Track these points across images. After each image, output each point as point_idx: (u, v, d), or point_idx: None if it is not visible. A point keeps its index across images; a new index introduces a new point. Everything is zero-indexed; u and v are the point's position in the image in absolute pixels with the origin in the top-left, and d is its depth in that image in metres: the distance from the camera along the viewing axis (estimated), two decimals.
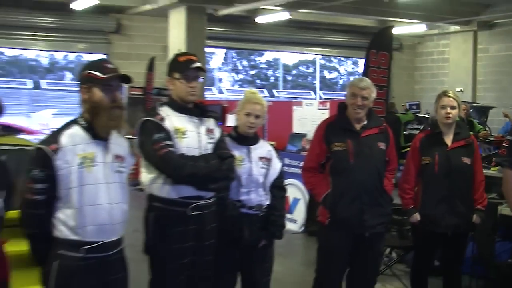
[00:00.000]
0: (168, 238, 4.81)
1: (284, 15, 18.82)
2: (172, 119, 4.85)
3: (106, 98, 4.03)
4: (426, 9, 19.60)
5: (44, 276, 4.05)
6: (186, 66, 4.89)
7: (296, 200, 11.34)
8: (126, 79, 4.19)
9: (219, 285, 5.29)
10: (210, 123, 5.04)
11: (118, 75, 4.15)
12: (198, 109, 5.01)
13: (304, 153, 11.40)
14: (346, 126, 5.75)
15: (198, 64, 4.90)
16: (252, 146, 5.39)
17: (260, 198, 5.34)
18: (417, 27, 21.93)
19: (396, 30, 21.08)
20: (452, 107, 6.13)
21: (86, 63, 4.35)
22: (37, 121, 23.09)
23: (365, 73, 10.70)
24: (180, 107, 4.93)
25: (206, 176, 4.77)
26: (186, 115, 4.92)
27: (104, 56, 20.25)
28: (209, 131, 4.99)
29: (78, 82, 4.18)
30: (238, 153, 5.26)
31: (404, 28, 21.55)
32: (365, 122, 5.78)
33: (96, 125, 4.02)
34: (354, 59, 31.48)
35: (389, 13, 19.70)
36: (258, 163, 5.35)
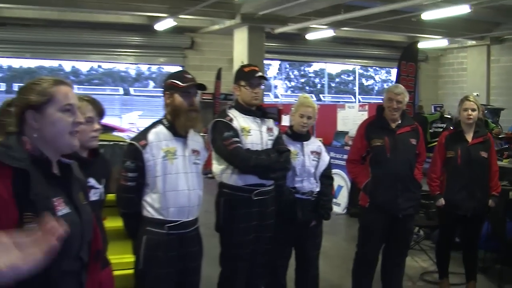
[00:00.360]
0: (235, 219, 4.83)
1: (329, 33, 18.74)
2: (239, 120, 4.86)
3: (185, 102, 4.06)
4: (448, 27, 19.33)
5: (135, 247, 4.12)
6: (251, 75, 4.91)
7: (340, 187, 11.31)
8: (202, 87, 4.22)
9: (277, 257, 5.31)
10: (270, 123, 5.05)
11: (195, 84, 4.18)
12: (259, 111, 5.01)
13: (346, 148, 11.37)
14: (383, 125, 5.71)
15: (260, 74, 4.92)
16: (305, 142, 5.39)
17: (312, 185, 5.33)
18: (440, 42, 21.65)
19: (422, 44, 21.05)
20: (473, 110, 6.11)
21: (169, 73, 4.39)
22: (126, 121, 23.36)
23: (397, 81, 10.61)
24: (245, 109, 4.94)
25: (267, 167, 4.77)
26: (250, 116, 4.93)
27: (180, 68, 20.47)
28: (269, 129, 5.00)
29: (162, 89, 4.24)
30: (293, 148, 5.25)
31: (429, 42, 21.33)
32: (399, 122, 5.73)
33: (176, 125, 4.06)
34: (387, 68, 31.16)
35: (417, 30, 19.45)
36: (310, 156, 5.34)
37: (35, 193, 2.29)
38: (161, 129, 4.10)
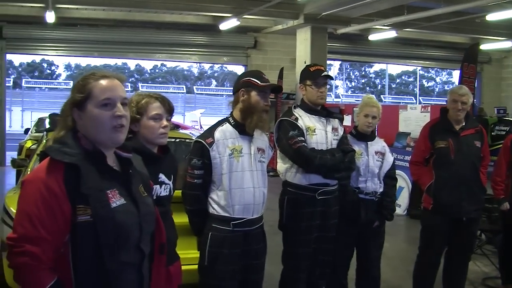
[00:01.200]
0: (299, 217, 4.80)
1: (391, 33, 18.48)
2: (304, 119, 4.82)
3: (261, 101, 4.05)
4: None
5: (200, 244, 4.14)
6: (317, 75, 4.87)
7: (401, 188, 11.14)
8: (279, 89, 4.22)
9: (338, 257, 5.25)
10: (335, 122, 5.01)
11: (273, 85, 4.17)
12: (325, 111, 4.97)
13: (408, 149, 11.23)
14: (447, 127, 5.59)
15: (326, 73, 4.87)
16: (369, 142, 5.33)
17: (375, 186, 5.28)
18: (504, 44, 21.08)
19: (485, 46, 20.63)
20: None
21: (245, 71, 4.40)
22: (190, 118, 23.62)
23: (460, 83, 10.43)
24: (311, 109, 4.91)
25: (332, 167, 4.73)
26: (315, 116, 4.89)
27: (243, 68, 20.54)
28: (334, 129, 4.96)
29: (236, 86, 4.22)
30: (357, 148, 5.21)
31: (493, 44, 20.81)
32: (464, 124, 5.60)
33: (247, 123, 4.05)
34: (448, 70, 30.62)
35: (480, 32, 19.01)
36: (374, 156, 5.29)
37: (86, 186, 2.33)
38: (227, 127, 4.10)
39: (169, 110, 3.71)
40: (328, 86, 5.09)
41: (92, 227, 2.32)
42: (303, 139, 4.73)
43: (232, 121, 4.12)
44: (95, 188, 2.35)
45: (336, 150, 4.82)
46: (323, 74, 4.88)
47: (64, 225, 2.31)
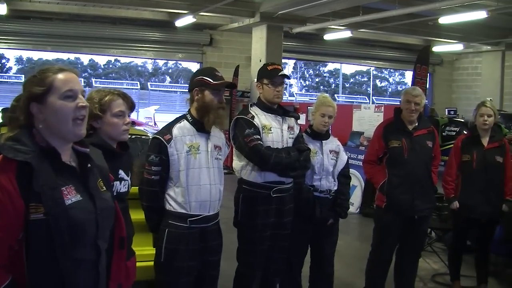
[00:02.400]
0: (254, 215, 4.82)
1: (346, 33, 18.65)
2: (260, 117, 4.85)
3: (215, 100, 4.06)
4: (464, 31, 19.23)
5: (156, 240, 4.14)
6: (274, 74, 4.89)
7: (354, 187, 11.24)
8: (232, 86, 4.23)
9: (293, 255, 5.29)
10: (291, 121, 5.03)
11: (226, 83, 4.19)
12: (281, 109, 5.00)
13: (362, 148, 11.36)
14: (401, 127, 5.71)
15: (284, 72, 4.90)
16: (324, 141, 5.38)
17: (330, 184, 5.34)
18: (456, 46, 21.52)
19: (437, 48, 21.06)
20: (489, 116, 6.12)
21: (198, 69, 4.40)
22: (143, 115, 23.41)
23: (413, 83, 10.62)
24: (267, 107, 4.94)
25: (287, 165, 4.76)
26: (271, 114, 4.92)
27: (198, 65, 20.49)
28: (290, 128, 4.99)
29: (190, 85, 4.23)
30: (312, 146, 5.25)
31: (445, 46, 21.27)
32: (416, 124, 5.72)
33: (204, 122, 4.06)
34: (401, 71, 31.05)
35: (433, 34, 19.35)
36: (328, 155, 5.35)
37: (39, 184, 2.30)
38: (185, 124, 4.11)
39: (131, 106, 3.72)
40: (284, 85, 5.12)
41: (46, 225, 2.29)
42: (259, 137, 4.76)
43: (190, 118, 4.13)
44: (48, 186, 2.31)
45: (291, 149, 4.86)
46: (280, 73, 4.90)
47: (17, 223, 2.27)
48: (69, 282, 2.35)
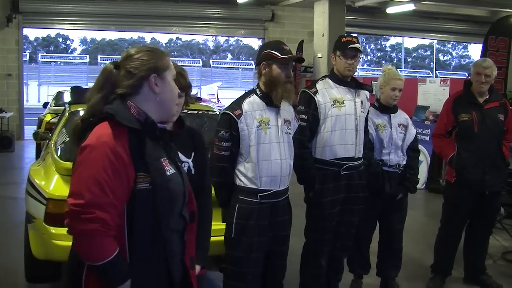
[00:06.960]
0: (324, 192, 4.75)
1: (409, 6, 18.29)
2: (331, 91, 4.76)
3: (283, 74, 4.01)
4: None
5: (226, 215, 4.15)
6: (346, 46, 4.77)
7: (419, 162, 11.03)
8: (300, 59, 4.16)
9: (361, 230, 5.24)
10: (364, 95, 4.91)
11: (294, 57, 4.13)
12: (354, 82, 4.89)
13: (427, 122, 11.14)
14: (471, 100, 5.56)
15: (356, 45, 4.77)
16: (392, 115, 5.30)
17: (399, 158, 5.26)
18: None
19: None
20: None
21: (265, 43, 4.34)
22: (206, 92, 23.57)
23: (483, 56, 10.31)
24: (340, 80, 4.83)
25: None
26: (344, 87, 4.81)
27: (260, 41, 20.44)
28: (362, 102, 4.86)
29: (257, 59, 4.20)
30: (381, 120, 5.18)
31: None
32: (487, 97, 5.57)
33: (272, 96, 4.01)
34: (464, 44, 30.26)
35: (501, 5, 18.76)
36: (397, 128, 5.26)
37: (148, 154, 2.36)
38: (254, 99, 4.08)
39: (184, 86, 3.56)
40: (358, 59, 4.93)
41: (151, 195, 2.34)
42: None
43: (259, 92, 4.10)
44: (154, 157, 2.38)
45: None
46: (351, 45, 4.75)
47: (128, 191, 2.32)
48: (170, 250, 2.44)
